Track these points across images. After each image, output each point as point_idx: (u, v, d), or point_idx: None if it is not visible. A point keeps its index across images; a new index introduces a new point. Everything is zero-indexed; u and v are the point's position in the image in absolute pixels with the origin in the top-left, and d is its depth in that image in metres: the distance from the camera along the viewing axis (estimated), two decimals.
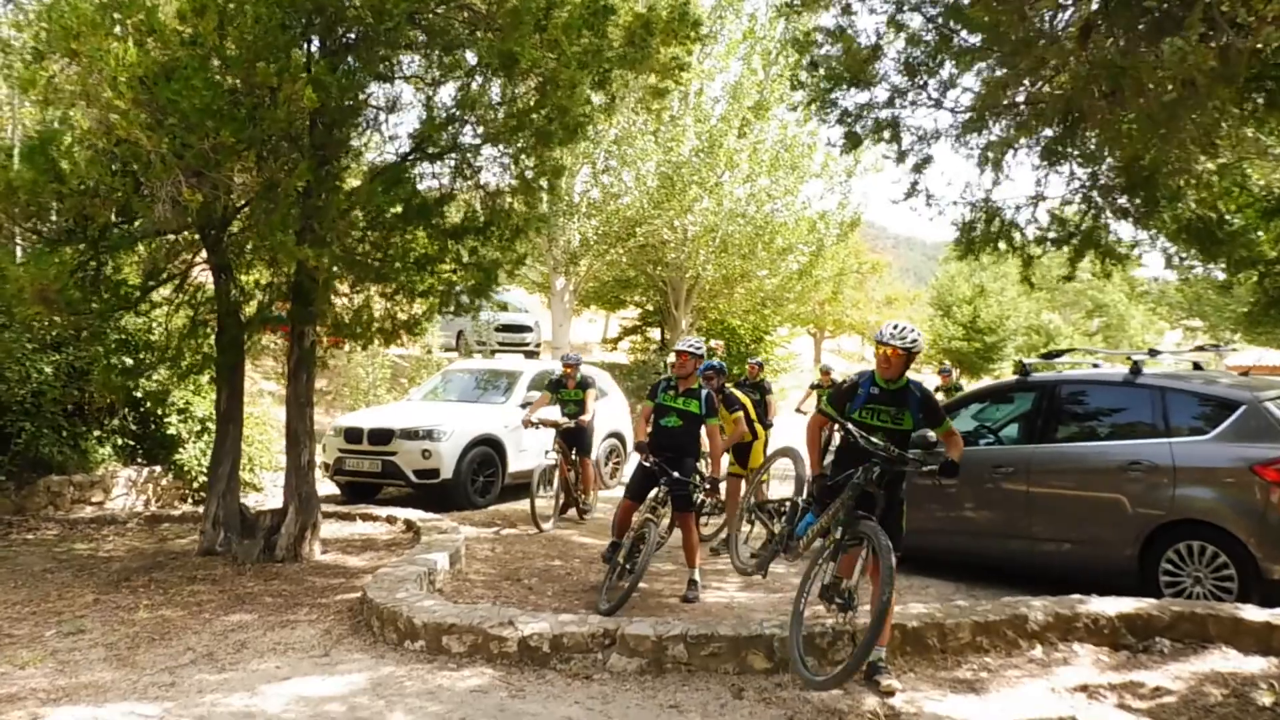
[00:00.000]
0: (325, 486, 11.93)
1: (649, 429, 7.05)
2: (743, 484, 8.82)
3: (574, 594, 6.92)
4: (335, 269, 7.31)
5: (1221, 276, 10.85)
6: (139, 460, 10.77)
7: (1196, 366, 7.75)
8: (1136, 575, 6.52)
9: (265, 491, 11.57)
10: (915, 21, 6.39)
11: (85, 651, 5.51)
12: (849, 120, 7.04)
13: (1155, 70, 4.79)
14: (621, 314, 31.44)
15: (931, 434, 5.02)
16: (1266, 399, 6.40)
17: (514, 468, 11.43)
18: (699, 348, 7.05)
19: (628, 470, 11.71)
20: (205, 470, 9.20)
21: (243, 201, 7.19)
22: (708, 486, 6.99)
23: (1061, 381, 7.66)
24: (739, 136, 20.14)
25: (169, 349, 8.14)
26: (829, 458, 5.53)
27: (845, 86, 6.77)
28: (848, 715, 4.50)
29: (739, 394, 8.98)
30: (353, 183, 7.67)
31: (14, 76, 6.25)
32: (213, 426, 9.30)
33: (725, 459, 8.05)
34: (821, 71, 6.90)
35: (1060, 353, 8.54)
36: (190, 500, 10.82)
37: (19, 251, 8.06)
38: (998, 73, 5.86)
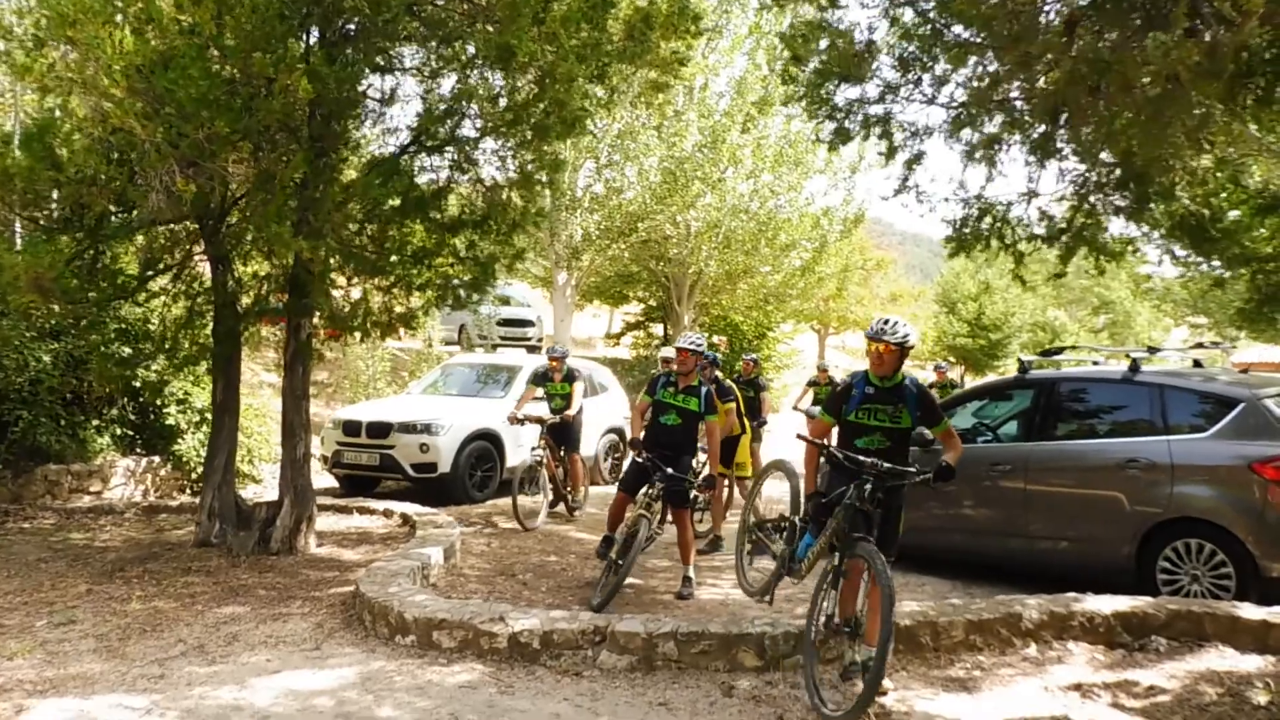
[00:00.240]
0: (324, 479, 11.94)
1: (645, 424, 7.03)
2: (725, 482, 8.78)
3: (568, 590, 6.90)
4: (332, 261, 7.30)
5: (1223, 272, 10.79)
6: (138, 450, 10.77)
7: (1197, 364, 7.70)
8: (1134, 573, 6.49)
9: (264, 483, 11.56)
10: (907, 15, 6.34)
11: (75, 642, 5.50)
12: (839, 116, 7.00)
13: (1140, 66, 4.73)
14: (624, 309, 31.38)
15: (928, 433, 4.97)
16: (1265, 396, 6.36)
17: (513, 462, 11.38)
18: (700, 344, 6.95)
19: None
20: (203, 461, 9.19)
21: (240, 192, 7.18)
22: (701, 483, 6.96)
23: (1060, 379, 7.62)
24: (743, 132, 20.09)
25: (166, 339, 8.13)
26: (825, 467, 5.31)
27: (836, 82, 6.72)
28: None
29: (732, 384, 8.94)
30: (351, 175, 7.65)
31: (14, 63, 6.20)
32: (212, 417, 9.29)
33: None
34: (811, 66, 6.84)
35: (1060, 350, 8.50)
36: (189, 491, 10.81)
37: (19, 240, 8.07)
38: (990, 68, 5.82)
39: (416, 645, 5.41)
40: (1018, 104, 6.19)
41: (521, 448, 11.38)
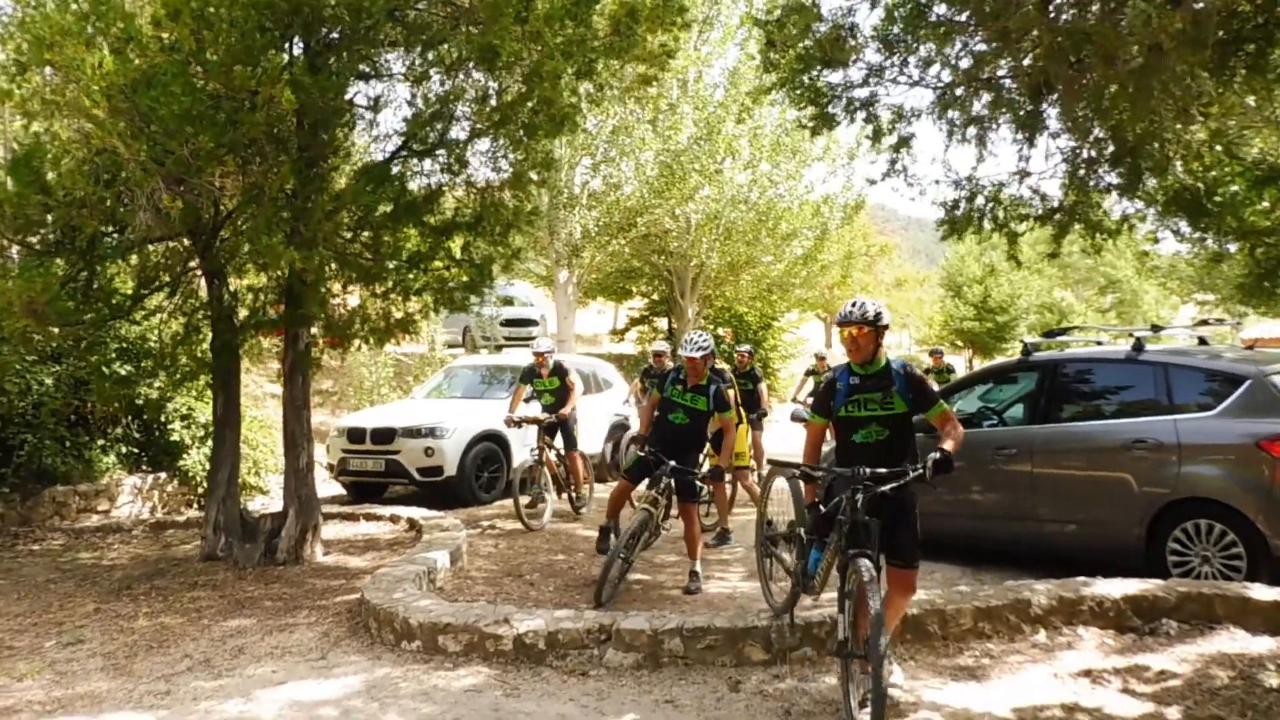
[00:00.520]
0: (332, 487, 11.96)
1: (654, 417, 7.01)
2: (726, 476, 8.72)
3: (576, 589, 6.87)
4: (326, 270, 7.28)
5: (1228, 247, 10.68)
6: (144, 467, 10.79)
7: (1202, 341, 7.63)
8: (1143, 555, 6.43)
9: (271, 494, 11.57)
10: None
11: (83, 661, 5.50)
12: (822, 100, 6.92)
13: (1120, 37, 4.62)
14: (628, 305, 31.35)
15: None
16: (1272, 373, 6.28)
17: (519, 463, 11.38)
18: (706, 346, 6.83)
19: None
20: (207, 475, 9.20)
21: (231, 207, 7.17)
22: (707, 475, 6.93)
23: (1064, 360, 7.55)
24: (738, 122, 20.01)
25: (165, 356, 8.13)
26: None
27: (818, 67, 6.65)
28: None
29: (728, 371, 8.88)
30: (342, 183, 7.63)
31: None
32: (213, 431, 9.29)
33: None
34: (792, 52, 6.77)
35: (1063, 331, 8.43)
36: (195, 505, 10.83)
37: (12, 264, 8.07)
38: (976, 47, 5.75)
39: (422, 650, 5.40)
40: (1005, 82, 6.12)
41: (527, 448, 11.37)
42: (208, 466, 9.72)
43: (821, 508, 4.61)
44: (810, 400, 14.87)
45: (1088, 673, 4.82)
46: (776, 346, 27.18)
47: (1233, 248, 9.97)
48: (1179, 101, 5.43)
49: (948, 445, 4.34)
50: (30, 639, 6.01)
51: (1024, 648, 5.21)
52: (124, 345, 9.75)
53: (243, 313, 7.99)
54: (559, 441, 9.78)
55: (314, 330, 8.05)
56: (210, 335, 8.03)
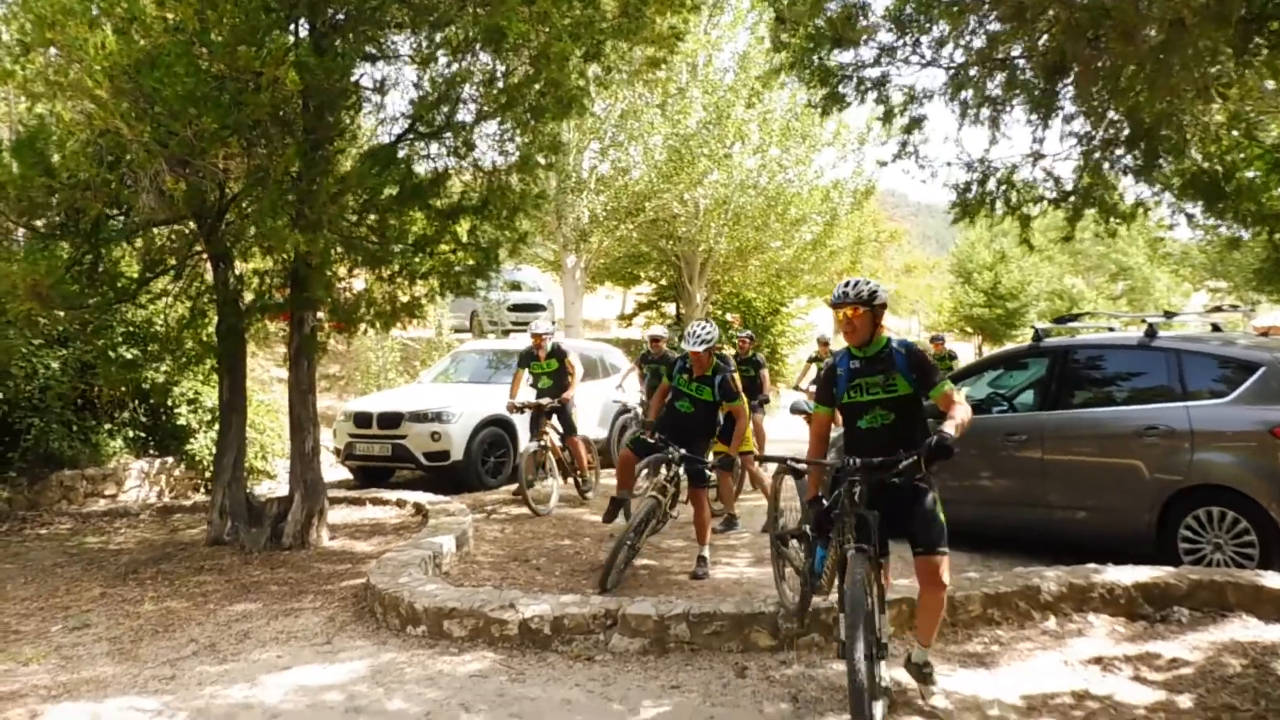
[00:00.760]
0: (339, 472, 11.95)
1: (663, 405, 7.05)
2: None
3: (582, 574, 6.85)
4: (332, 253, 7.24)
5: (1242, 234, 10.55)
6: (151, 452, 10.80)
7: (1215, 328, 7.53)
8: (1154, 543, 6.37)
9: (279, 479, 11.57)
10: None
11: (89, 646, 5.50)
12: (833, 80, 6.81)
13: (1140, 12, 4.51)
14: (636, 290, 31.27)
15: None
16: None
17: (525, 448, 11.35)
18: (708, 338, 6.76)
19: None
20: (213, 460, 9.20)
21: (237, 189, 7.13)
22: (718, 464, 6.89)
23: (1076, 346, 7.48)
24: (748, 107, 19.88)
25: (171, 340, 8.11)
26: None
27: (828, 47, 6.53)
28: None
29: (731, 360, 8.83)
30: (347, 166, 7.58)
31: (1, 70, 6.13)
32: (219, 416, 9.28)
33: None
34: (803, 31, 6.65)
35: (1074, 317, 8.34)
36: (202, 490, 10.83)
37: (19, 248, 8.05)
38: (990, 27, 5.65)
39: (427, 635, 5.38)
40: (1019, 62, 6.00)
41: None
42: (214, 451, 9.74)
43: (824, 502, 4.40)
44: (813, 389, 14.76)
45: (1098, 660, 4.77)
46: (785, 332, 27.08)
47: (1247, 234, 9.84)
48: (1199, 81, 5.31)
49: (948, 428, 3.99)
50: (36, 623, 6.01)
51: (1034, 635, 5.16)
52: (130, 329, 9.73)
53: (248, 296, 7.96)
54: (556, 423, 9.69)
55: (320, 314, 8.03)
56: (216, 319, 8.00)
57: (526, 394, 9.85)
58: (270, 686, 4.69)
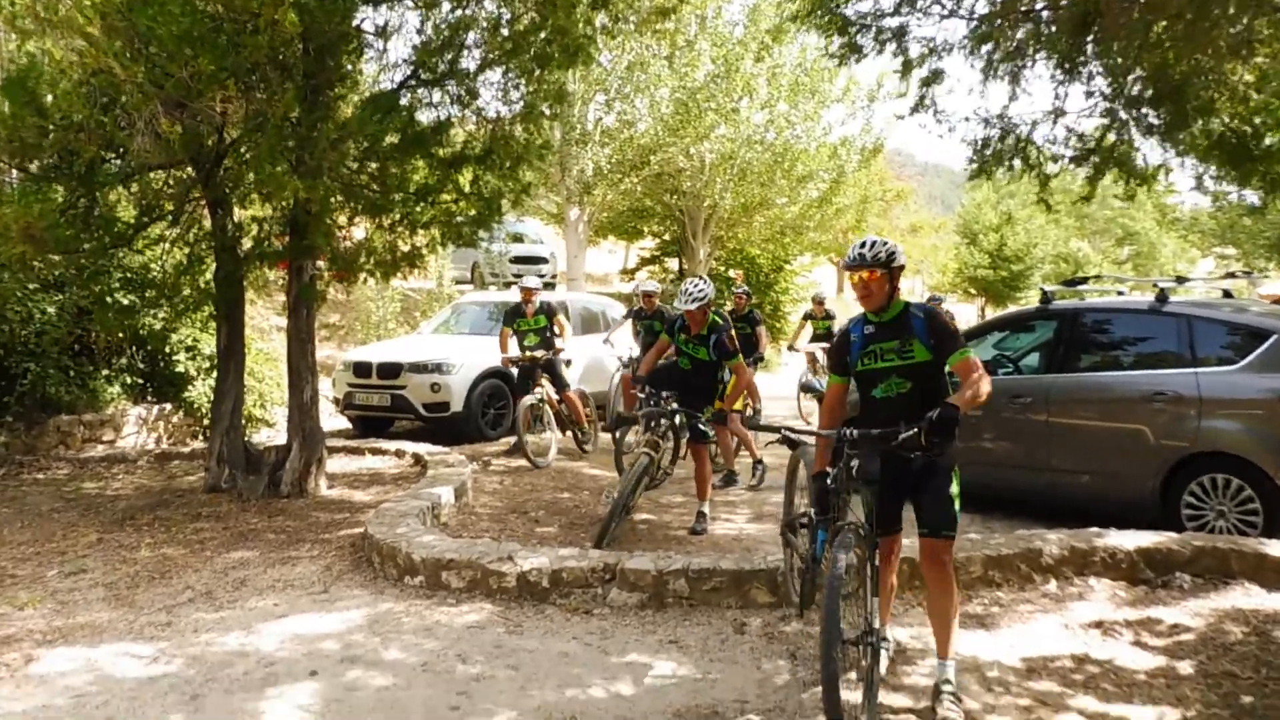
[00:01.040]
0: (338, 421, 11.92)
1: (668, 361, 7.05)
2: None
3: (581, 527, 6.83)
4: (332, 201, 7.12)
5: (1255, 201, 10.35)
6: (149, 398, 10.76)
7: (1226, 295, 7.44)
8: (1158, 508, 6.34)
9: (277, 427, 11.54)
10: None
11: (85, 591, 5.48)
12: (851, 30, 6.60)
13: None
14: (639, 244, 31.05)
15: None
16: None
17: (524, 400, 11.28)
18: (703, 297, 6.64)
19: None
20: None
21: (235, 134, 6.99)
22: (711, 418, 6.81)
23: (1084, 310, 7.39)
24: (757, 61, 19.55)
25: (168, 286, 8.01)
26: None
27: None
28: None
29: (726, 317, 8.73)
30: (348, 113, 7.43)
31: None
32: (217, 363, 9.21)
33: None
34: None
35: (1083, 280, 8.23)
36: (201, 437, 10.81)
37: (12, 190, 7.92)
38: None
39: (425, 586, 5.36)
40: (1044, 14, 5.81)
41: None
42: (212, 398, 9.69)
43: (829, 481, 3.97)
44: (809, 348, 14.54)
45: (1099, 624, 4.74)
46: (788, 290, 26.92)
47: (1266, 198, 9.62)
48: (1233, 38, 5.10)
49: (958, 399, 3.66)
50: (33, 568, 6.00)
51: (1034, 597, 5.14)
52: (127, 274, 9.62)
53: (247, 244, 7.83)
54: (545, 383, 9.57)
55: (319, 263, 7.92)
56: (214, 266, 7.90)
57: (515, 349, 9.72)
58: (266, 634, 4.67)
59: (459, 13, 7.33)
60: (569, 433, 10.10)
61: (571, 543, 6.19)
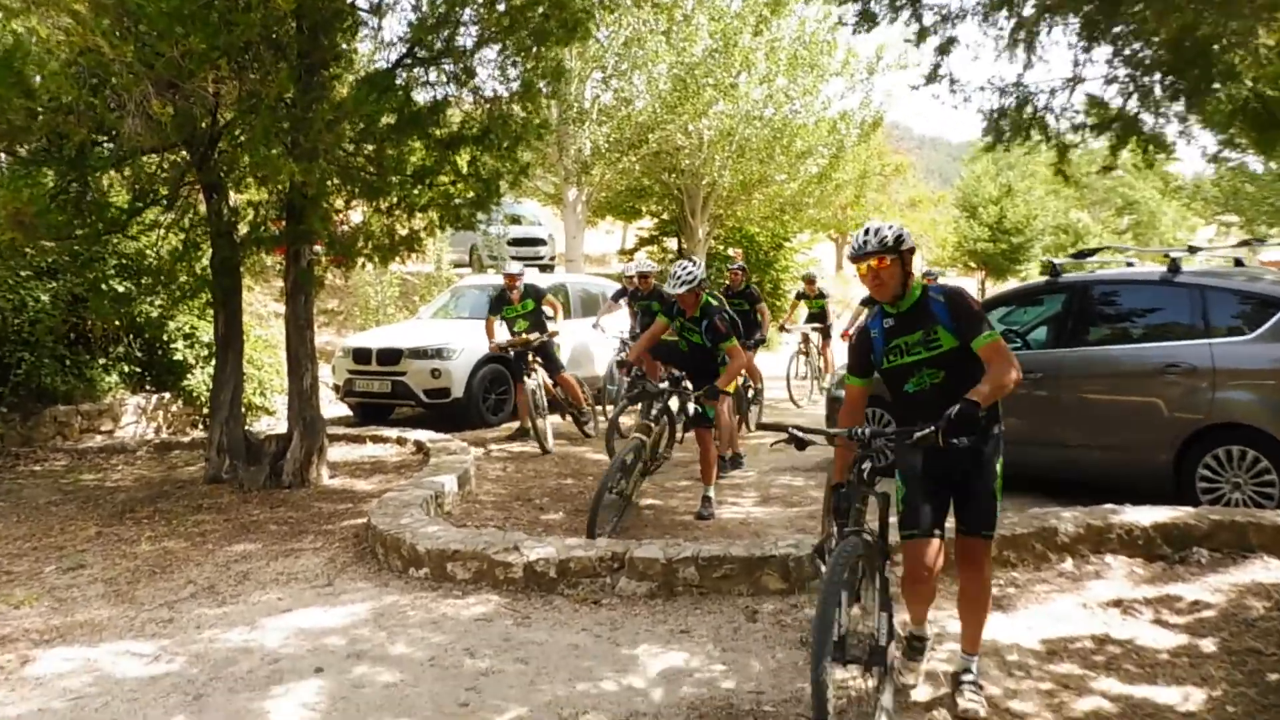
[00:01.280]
0: (338, 408, 11.82)
1: (650, 344, 7.09)
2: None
3: (585, 513, 6.71)
4: (328, 184, 6.99)
5: (1259, 168, 10.18)
6: (147, 387, 10.63)
7: (1238, 263, 7.31)
8: (1172, 482, 6.24)
9: (278, 415, 11.44)
10: None
11: (84, 588, 5.38)
12: None
13: None
14: (638, 224, 30.83)
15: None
16: None
17: (528, 385, 11.16)
18: (691, 280, 6.55)
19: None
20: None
21: (229, 116, 6.84)
22: (705, 394, 6.66)
23: (1094, 282, 7.27)
24: (755, 34, 19.28)
25: (163, 273, 7.89)
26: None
27: None
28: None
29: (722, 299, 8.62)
30: (344, 93, 7.28)
31: None
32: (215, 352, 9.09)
33: None
34: None
35: (1092, 251, 8.10)
36: (201, 426, 10.69)
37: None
38: None
39: (430, 578, 5.27)
40: None
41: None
42: (211, 387, 9.58)
43: (843, 488, 3.59)
44: (804, 329, 14.31)
45: (1118, 603, 4.66)
46: (788, 268, 26.75)
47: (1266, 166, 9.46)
48: (1265, 3, 4.92)
49: (979, 393, 3.32)
50: (29, 563, 5.89)
51: (1050, 577, 5.05)
52: (121, 261, 9.48)
53: (243, 229, 7.70)
54: (539, 366, 9.45)
55: (317, 248, 7.80)
56: (210, 252, 7.77)
57: (503, 335, 9.58)
58: (270, 630, 4.58)
59: None
60: (568, 416, 10.00)
61: (577, 530, 6.10)
